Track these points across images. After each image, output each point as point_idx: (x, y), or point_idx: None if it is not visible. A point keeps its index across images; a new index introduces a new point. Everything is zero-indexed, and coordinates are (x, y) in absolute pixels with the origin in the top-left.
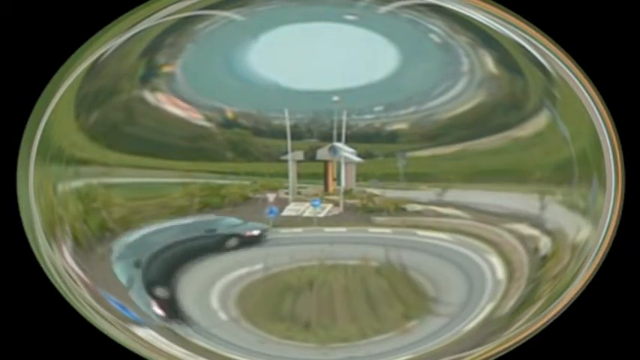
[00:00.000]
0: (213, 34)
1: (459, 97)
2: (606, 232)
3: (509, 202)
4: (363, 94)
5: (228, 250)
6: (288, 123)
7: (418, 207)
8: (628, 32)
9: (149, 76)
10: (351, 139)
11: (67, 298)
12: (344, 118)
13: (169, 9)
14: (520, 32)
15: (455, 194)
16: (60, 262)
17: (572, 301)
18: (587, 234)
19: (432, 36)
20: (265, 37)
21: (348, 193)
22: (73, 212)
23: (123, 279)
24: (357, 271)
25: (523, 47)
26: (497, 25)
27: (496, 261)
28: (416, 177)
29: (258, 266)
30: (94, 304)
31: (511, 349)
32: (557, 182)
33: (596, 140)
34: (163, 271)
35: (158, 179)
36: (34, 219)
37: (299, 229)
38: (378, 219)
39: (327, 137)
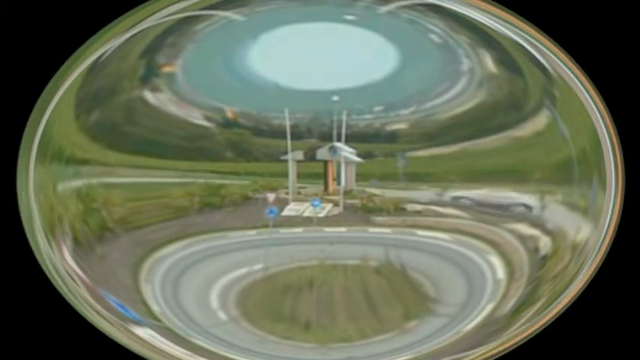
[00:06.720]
0: (213, 34)
1: (459, 97)
2: (606, 232)
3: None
4: (363, 94)
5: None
6: (288, 123)
7: (418, 207)
8: (628, 32)
9: (149, 76)
10: (351, 139)
11: (67, 298)
12: (344, 118)
13: (169, 9)
14: (520, 32)
15: (455, 194)
16: (60, 262)
17: (572, 301)
18: (587, 234)
19: (432, 36)
20: (265, 37)
21: (348, 193)
22: (73, 212)
23: None
24: (357, 271)
25: (523, 47)
26: (497, 25)
27: (496, 261)
28: (416, 177)
29: (258, 266)
30: (94, 304)
31: (511, 349)
32: (557, 182)
33: (596, 140)
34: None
35: (158, 179)
36: (34, 219)
37: (299, 229)
38: (378, 219)
39: (327, 137)
